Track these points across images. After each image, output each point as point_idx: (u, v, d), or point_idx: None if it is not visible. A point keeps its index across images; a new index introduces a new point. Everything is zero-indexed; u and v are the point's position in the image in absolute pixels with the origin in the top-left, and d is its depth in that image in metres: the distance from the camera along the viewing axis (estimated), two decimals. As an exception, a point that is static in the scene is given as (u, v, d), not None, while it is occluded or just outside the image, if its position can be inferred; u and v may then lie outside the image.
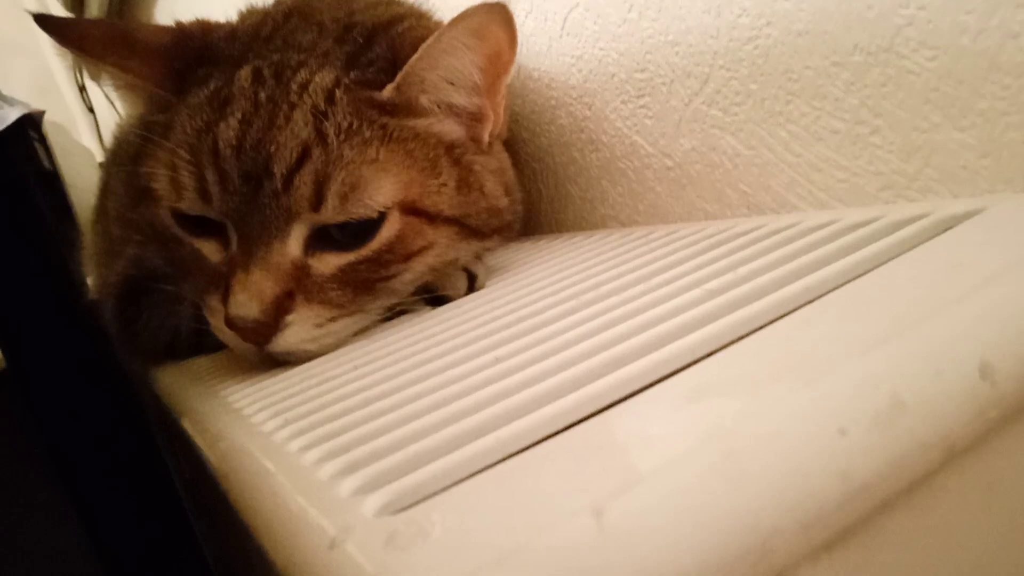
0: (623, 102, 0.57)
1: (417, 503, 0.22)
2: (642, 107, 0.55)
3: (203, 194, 0.47)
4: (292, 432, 0.33)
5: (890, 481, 0.19)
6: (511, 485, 0.21)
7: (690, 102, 0.51)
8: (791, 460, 0.18)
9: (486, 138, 0.53)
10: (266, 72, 0.48)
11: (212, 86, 0.49)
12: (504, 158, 0.56)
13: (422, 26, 0.53)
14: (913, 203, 0.40)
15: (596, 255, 0.48)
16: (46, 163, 1.01)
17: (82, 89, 2.17)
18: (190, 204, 0.48)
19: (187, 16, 0.55)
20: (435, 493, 0.23)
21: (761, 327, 0.28)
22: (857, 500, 0.18)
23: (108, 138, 1.94)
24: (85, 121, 2.09)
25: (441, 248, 0.50)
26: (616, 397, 0.26)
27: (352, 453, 0.28)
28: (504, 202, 0.54)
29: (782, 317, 0.28)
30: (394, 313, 0.51)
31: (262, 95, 0.47)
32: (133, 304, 0.63)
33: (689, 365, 0.26)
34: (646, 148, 0.56)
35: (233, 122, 0.47)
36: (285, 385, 0.42)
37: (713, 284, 0.34)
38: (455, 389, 0.31)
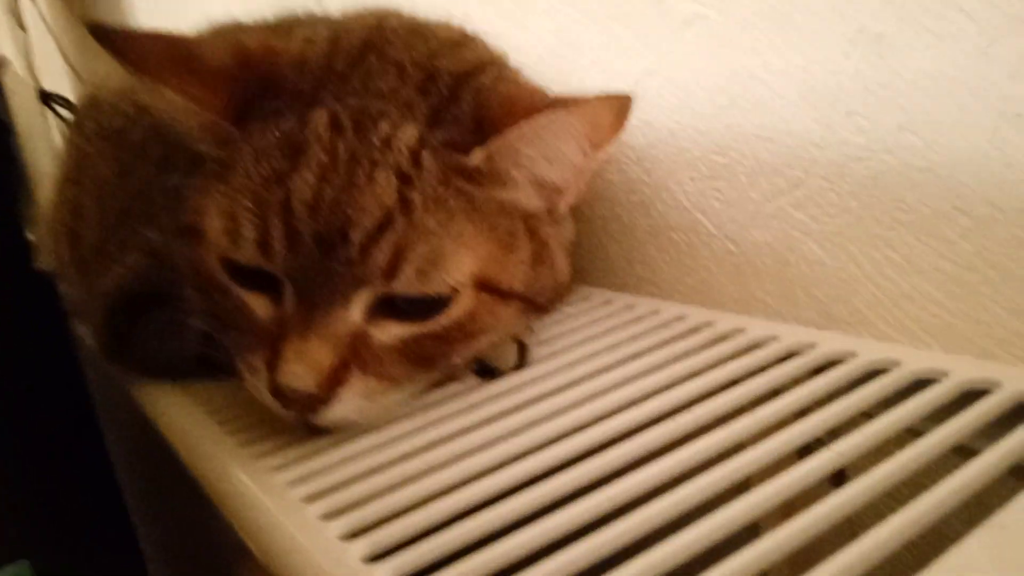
0: (691, 179, 0.55)
1: None
2: (714, 189, 0.53)
3: (264, 248, 0.43)
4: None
5: None
6: None
7: (773, 199, 0.50)
8: None
9: (563, 209, 0.50)
10: (344, 120, 0.44)
11: (282, 127, 0.44)
12: (571, 227, 0.54)
13: (505, 78, 0.49)
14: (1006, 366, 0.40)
15: (652, 350, 0.48)
16: (2, 115, 0.91)
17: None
18: (248, 256, 0.44)
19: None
20: None
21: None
22: None
23: (39, 60, 1.78)
24: (11, 39, 1.91)
25: (507, 324, 0.48)
26: None
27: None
28: (567, 276, 0.52)
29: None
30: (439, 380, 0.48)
31: (340, 147, 0.43)
32: (129, 318, 0.58)
33: None
34: (708, 228, 0.55)
35: (309, 176, 0.42)
36: (339, 464, 0.41)
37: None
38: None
